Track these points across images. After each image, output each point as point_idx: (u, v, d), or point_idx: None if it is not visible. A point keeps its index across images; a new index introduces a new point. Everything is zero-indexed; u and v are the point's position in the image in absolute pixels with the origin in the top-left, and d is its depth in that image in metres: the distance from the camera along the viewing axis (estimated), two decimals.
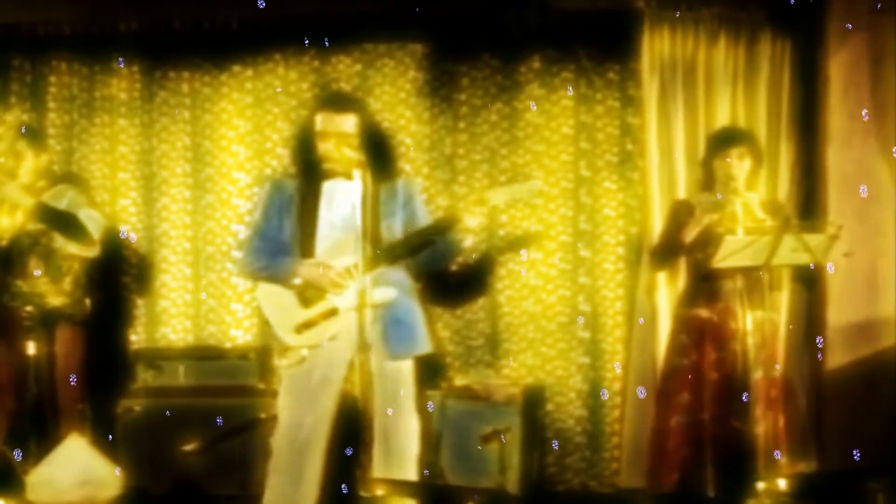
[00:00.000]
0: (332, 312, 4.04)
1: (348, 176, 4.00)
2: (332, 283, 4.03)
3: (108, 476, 4.45)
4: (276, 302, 4.11)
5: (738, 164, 4.72)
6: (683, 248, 4.78)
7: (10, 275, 4.95)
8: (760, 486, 4.34)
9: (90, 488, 4.41)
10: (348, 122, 4.11)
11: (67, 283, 4.98)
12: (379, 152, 4.09)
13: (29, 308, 4.84)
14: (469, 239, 4.29)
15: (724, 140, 4.84)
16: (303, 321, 4.05)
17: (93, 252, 5.04)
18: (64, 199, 5.01)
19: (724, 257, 4.38)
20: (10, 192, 4.89)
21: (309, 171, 4.19)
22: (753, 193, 4.77)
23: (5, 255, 4.97)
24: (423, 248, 4.10)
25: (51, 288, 4.93)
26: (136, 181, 5.99)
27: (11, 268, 4.96)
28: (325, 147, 4.09)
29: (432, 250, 4.12)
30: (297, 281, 4.06)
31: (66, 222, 4.93)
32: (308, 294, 4.06)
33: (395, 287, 4.06)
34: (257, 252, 4.23)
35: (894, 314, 5.37)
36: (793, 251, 4.38)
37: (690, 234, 4.68)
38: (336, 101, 4.37)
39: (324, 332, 4.05)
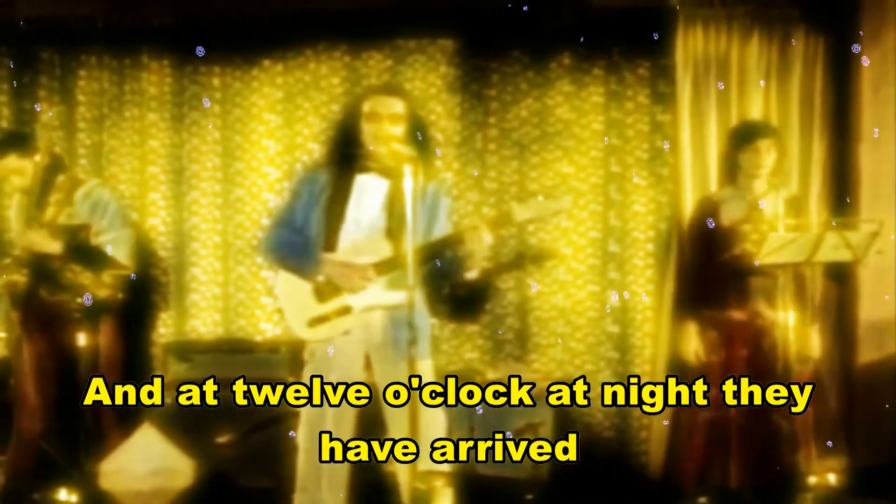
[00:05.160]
0: (346, 310, 4.00)
1: (384, 173, 3.99)
2: (358, 283, 3.95)
3: (181, 466, 4.46)
4: (293, 294, 4.07)
5: (767, 155, 4.75)
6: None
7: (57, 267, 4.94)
8: (812, 480, 4.37)
9: (162, 478, 4.42)
10: (398, 105, 4.04)
11: (107, 276, 4.97)
12: (421, 150, 3.93)
13: (77, 300, 4.81)
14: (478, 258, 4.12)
15: (752, 132, 4.86)
16: (316, 316, 4.01)
17: (127, 273, 5.04)
18: (100, 202, 5.00)
19: (769, 253, 4.41)
20: (34, 239, 4.85)
21: (345, 161, 4.09)
22: (783, 189, 4.80)
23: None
24: (434, 259, 3.99)
25: (94, 280, 4.92)
26: (165, 175, 6.00)
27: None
28: (372, 129, 4.00)
29: (440, 263, 4.00)
30: (320, 277, 4.00)
31: (96, 260, 4.91)
32: (323, 289, 4.01)
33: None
34: (279, 239, 4.16)
35: None
36: (835, 248, 4.41)
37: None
38: (387, 86, 4.39)
39: (336, 328, 4.01)
